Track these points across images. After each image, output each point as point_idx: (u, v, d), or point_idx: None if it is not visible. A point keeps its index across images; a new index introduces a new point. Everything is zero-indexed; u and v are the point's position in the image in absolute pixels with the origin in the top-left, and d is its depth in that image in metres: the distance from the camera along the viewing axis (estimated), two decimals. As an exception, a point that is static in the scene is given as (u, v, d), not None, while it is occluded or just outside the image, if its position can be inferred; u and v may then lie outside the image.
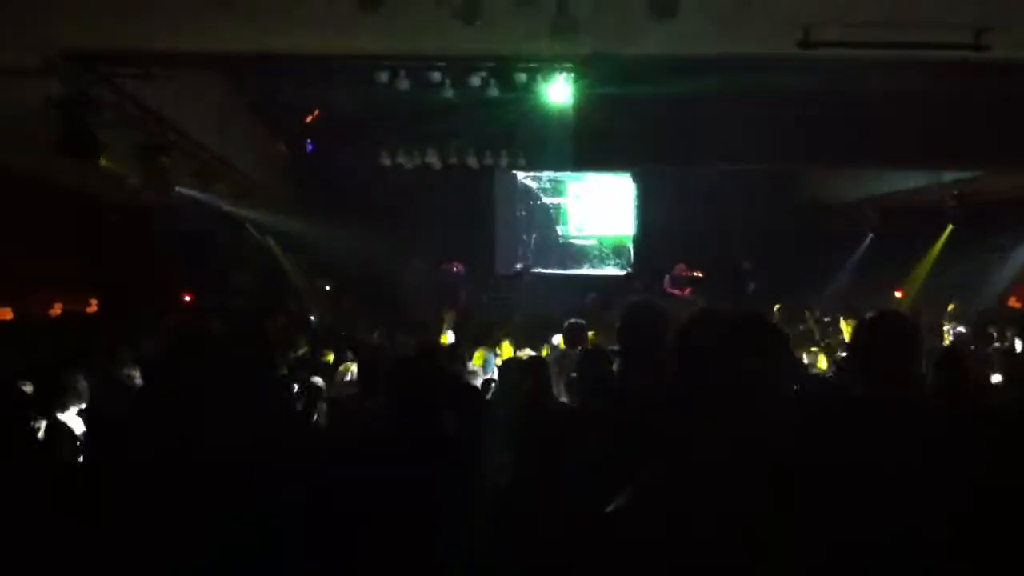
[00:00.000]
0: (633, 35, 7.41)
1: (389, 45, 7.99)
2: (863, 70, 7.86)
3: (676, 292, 16.33)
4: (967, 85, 8.06)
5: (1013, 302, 14.25)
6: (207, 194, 12.57)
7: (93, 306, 13.70)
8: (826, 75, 7.95)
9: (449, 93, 10.66)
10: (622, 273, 18.29)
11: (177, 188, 11.35)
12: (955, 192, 13.31)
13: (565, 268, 18.39)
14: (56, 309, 12.84)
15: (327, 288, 16.43)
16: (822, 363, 9.29)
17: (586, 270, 18.53)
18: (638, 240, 18.45)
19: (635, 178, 18.20)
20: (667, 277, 16.62)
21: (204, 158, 11.76)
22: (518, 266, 18.35)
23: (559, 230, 18.69)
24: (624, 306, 4.14)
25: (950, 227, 14.74)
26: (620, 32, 7.36)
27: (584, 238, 18.71)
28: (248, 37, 7.55)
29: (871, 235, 16.27)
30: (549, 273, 18.18)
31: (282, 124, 14.18)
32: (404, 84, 10.80)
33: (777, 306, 13.80)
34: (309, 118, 14.36)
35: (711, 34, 7.37)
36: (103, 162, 9.26)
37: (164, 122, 9.76)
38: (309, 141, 15.18)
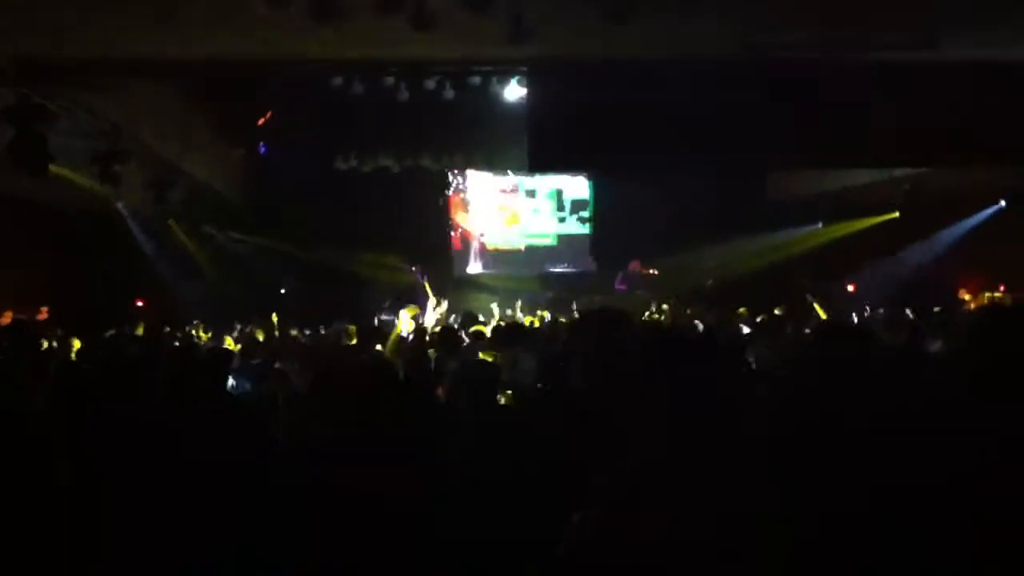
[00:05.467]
0: (584, 39, 7.50)
1: (343, 52, 8.00)
2: (811, 72, 8.04)
3: (621, 288, 16.48)
4: (916, 85, 8.26)
5: (963, 293, 14.50)
6: (162, 201, 12.48)
7: (43, 314, 13.53)
8: (777, 77, 8.10)
9: (404, 97, 10.70)
10: (578, 271, 18.39)
11: (131, 195, 11.28)
12: (906, 187, 13.59)
13: (522, 267, 18.42)
14: (6, 318, 12.69)
15: (283, 291, 16.35)
16: None
17: (544, 269, 18.58)
18: (595, 237, 18.52)
19: (590, 176, 18.30)
20: (620, 274, 16.76)
21: (158, 165, 11.69)
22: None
23: (516, 229, 18.72)
24: (579, 312, 4.24)
25: (895, 213, 15.07)
26: (572, 36, 7.44)
27: (541, 236, 18.77)
28: (204, 45, 7.53)
29: (820, 224, 16.57)
30: (507, 273, 18.23)
31: (236, 128, 14.10)
32: (358, 88, 10.85)
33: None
34: (261, 121, 14.32)
35: (661, 38, 7.49)
36: (54, 170, 9.19)
37: (117, 130, 9.69)
38: (262, 144, 15.16)
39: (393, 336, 9.35)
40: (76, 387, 3.98)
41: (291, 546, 2.84)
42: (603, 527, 1.96)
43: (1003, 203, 13.60)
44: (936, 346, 7.13)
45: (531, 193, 18.67)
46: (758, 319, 12.70)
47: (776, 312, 13.30)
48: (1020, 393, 2.24)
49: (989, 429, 2.12)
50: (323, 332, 10.95)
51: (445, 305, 14.05)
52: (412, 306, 10.34)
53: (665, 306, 14.29)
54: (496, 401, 4.53)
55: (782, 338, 9.36)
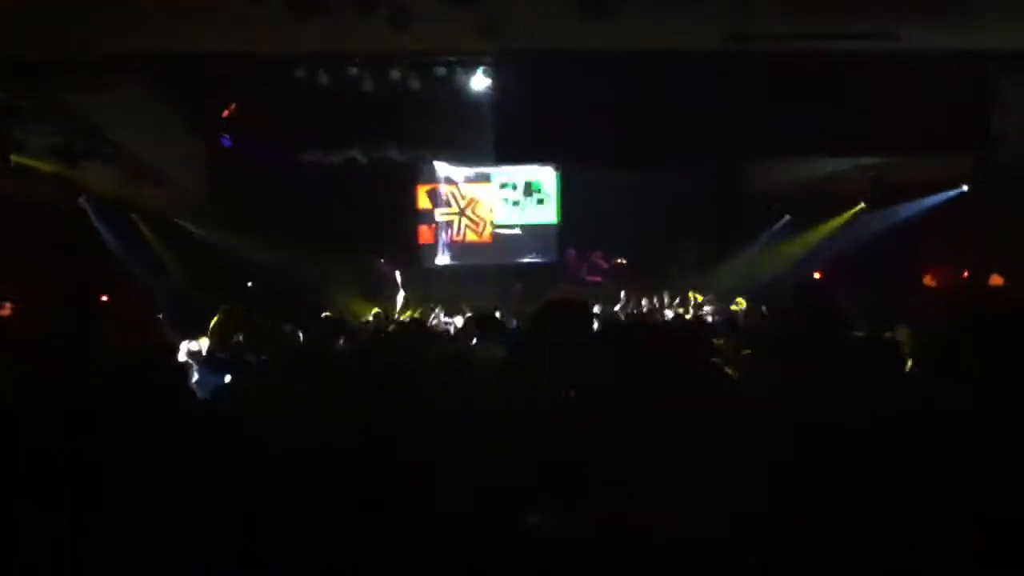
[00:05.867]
0: (559, 31, 7.48)
1: (314, 45, 7.94)
2: (789, 62, 8.09)
3: (594, 279, 16.56)
4: (881, 75, 8.34)
5: (928, 280, 14.64)
6: (126, 195, 12.36)
7: (6, 310, 13.33)
8: (752, 67, 8.14)
9: (369, 87, 10.65)
10: (546, 261, 18.40)
11: (96, 190, 11.15)
12: (872, 174, 13.72)
13: (491, 258, 18.44)
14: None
15: (249, 285, 16.19)
16: None
17: (513, 259, 18.58)
18: (562, 228, 18.53)
19: (558, 167, 18.28)
20: (584, 265, 16.85)
21: (123, 160, 11.56)
22: None
23: (484, 220, 18.70)
24: (544, 301, 4.21)
25: (861, 204, 15.21)
26: (545, 29, 7.42)
27: (509, 227, 18.76)
28: (168, 39, 7.45)
29: (788, 216, 16.66)
30: (476, 264, 18.23)
31: (199, 121, 13.95)
32: (323, 79, 10.77)
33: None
34: (226, 112, 14.16)
35: (635, 29, 7.48)
36: (16, 159, 9.07)
37: (81, 123, 9.57)
38: (226, 136, 14.99)
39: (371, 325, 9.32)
40: (64, 387, 3.92)
41: (287, 547, 2.81)
42: (600, 526, 1.94)
43: (965, 188, 13.73)
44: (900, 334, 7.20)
45: (499, 184, 18.64)
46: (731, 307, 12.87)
47: (740, 300, 13.49)
48: (1019, 391, 2.22)
49: (990, 428, 2.12)
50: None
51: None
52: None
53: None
54: (473, 393, 4.52)
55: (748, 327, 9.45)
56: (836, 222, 15.73)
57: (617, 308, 13.60)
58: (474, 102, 11.23)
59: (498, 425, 3.58)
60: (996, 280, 12.36)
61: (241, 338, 9.52)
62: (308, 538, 2.78)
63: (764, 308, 11.33)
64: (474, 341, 6.84)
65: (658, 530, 1.88)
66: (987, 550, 1.95)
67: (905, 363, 3.23)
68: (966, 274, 13.30)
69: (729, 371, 4.93)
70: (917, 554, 2.00)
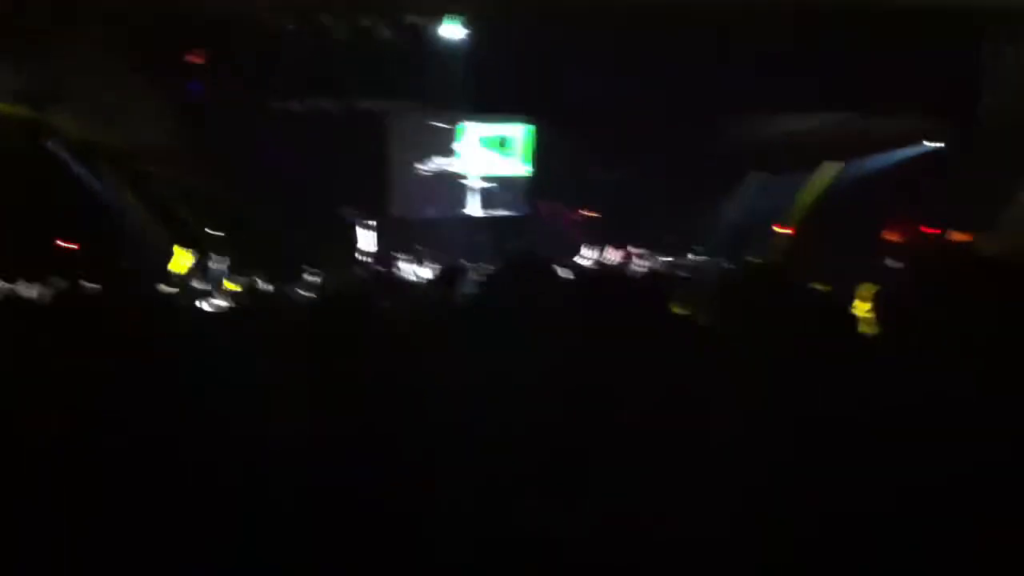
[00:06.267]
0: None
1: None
2: (761, 18, 8.03)
3: (567, 231, 16.60)
4: (860, 31, 8.31)
5: (888, 235, 14.72)
6: (93, 141, 12.19)
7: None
8: (723, 19, 8.08)
9: (340, 36, 10.53)
10: (518, 215, 18.36)
11: (64, 135, 11.00)
12: (846, 131, 13.73)
13: (464, 210, 18.38)
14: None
15: (219, 234, 16.04)
16: None
17: (485, 211, 18.50)
18: (535, 181, 18.45)
19: (531, 119, 18.13)
20: (557, 217, 16.86)
21: (90, 106, 11.40)
22: None
23: (454, 171, 18.57)
24: (508, 255, 4.19)
25: (841, 164, 15.22)
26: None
27: (482, 179, 18.62)
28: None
29: (764, 173, 16.62)
30: (448, 216, 18.15)
31: (168, 67, 13.71)
32: (292, 26, 10.64)
33: None
34: (194, 59, 13.94)
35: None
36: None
37: (43, 70, 9.43)
38: (194, 81, 14.75)
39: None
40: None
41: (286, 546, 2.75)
42: (600, 526, 1.91)
43: (926, 143, 13.70)
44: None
45: (472, 136, 18.46)
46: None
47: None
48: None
49: (991, 426, 2.08)
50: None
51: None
52: None
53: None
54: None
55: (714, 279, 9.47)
56: (821, 185, 15.73)
57: (587, 260, 13.60)
58: (449, 53, 11.11)
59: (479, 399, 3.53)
60: (962, 236, 12.43)
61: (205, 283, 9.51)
62: (307, 537, 2.72)
63: (724, 262, 11.38)
64: (444, 294, 6.82)
65: (658, 530, 1.85)
66: (987, 550, 1.94)
67: (855, 323, 3.17)
68: (938, 231, 13.37)
69: (699, 322, 4.94)
70: (917, 554, 1.98)
